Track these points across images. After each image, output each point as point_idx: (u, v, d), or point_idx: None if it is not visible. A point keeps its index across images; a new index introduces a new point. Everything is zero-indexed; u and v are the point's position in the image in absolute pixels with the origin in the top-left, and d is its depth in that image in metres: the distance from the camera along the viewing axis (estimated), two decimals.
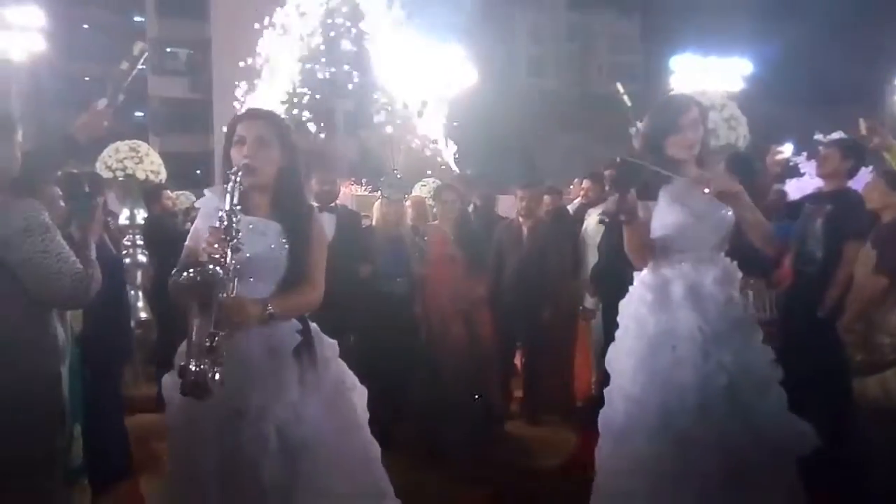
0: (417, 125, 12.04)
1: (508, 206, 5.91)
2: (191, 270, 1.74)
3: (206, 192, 2.06)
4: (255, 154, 1.97)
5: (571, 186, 5.67)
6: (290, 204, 2.00)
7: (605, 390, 2.53)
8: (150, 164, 7.47)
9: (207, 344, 1.69)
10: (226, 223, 1.81)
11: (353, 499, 2.04)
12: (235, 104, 11.27)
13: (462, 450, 4.05)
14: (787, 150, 4.03)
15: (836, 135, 4.60)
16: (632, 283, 2.57)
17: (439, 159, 12.25)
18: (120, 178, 7.14)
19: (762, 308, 4.56)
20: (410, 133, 11.68)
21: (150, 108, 25.92)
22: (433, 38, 12.68)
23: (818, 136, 4.82)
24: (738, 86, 17.82)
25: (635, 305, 2.48)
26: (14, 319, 1.96)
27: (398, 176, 4.84)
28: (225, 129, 2.10)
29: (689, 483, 2.28)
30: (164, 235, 4.57)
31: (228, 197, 1.85)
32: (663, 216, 2.44)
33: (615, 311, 3.53)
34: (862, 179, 3.79)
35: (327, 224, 4.24)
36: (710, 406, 2.29)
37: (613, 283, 4.47)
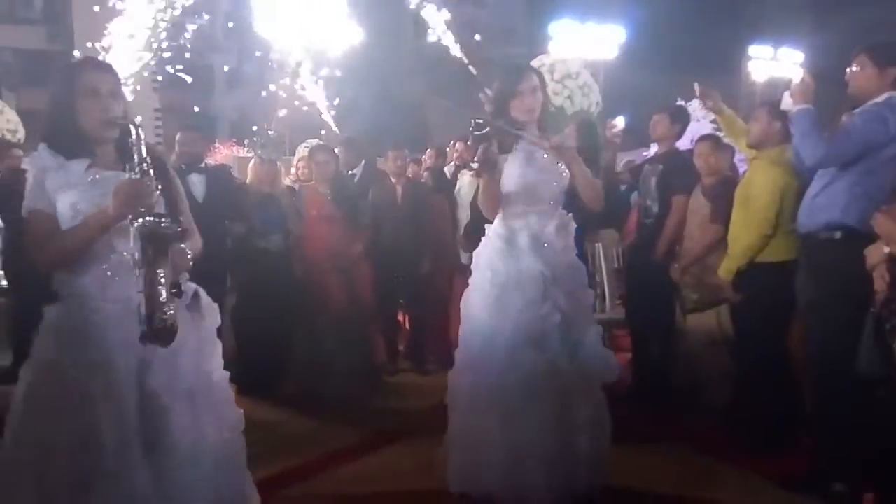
0: (300, 84, 11.74)
1: None
2: (144, 220, 1.76)
3: (40, 148, 1.98)
4: (113, 107, 1.96)
5: (448, 148, 5.83)
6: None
7: (461, 330, 2.80)
8: (4, 122, 6.94)
9: (174, 292, 1.78)
10: (144, 173, 1.85)
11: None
12: (100, 57, 10.49)
13: (344, 401, 4.22)
14: (619, 122, 4.48)
15: (696, 102, 5.03)
16: None
17: (323, 119, 12.07)
18: None
19: (612, 258, 5.01)
20: (291, 92, 11.38)
21: (2, 61, 23.53)
22: None
23: (679, 103, 5.25)
24: (612, 53, 18.70)
25: (488, 254, 2.77)
26: None
27: (271, 134, 4.81)
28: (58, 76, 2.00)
29: (528, 407, 2.61)
30: (12, 195, 4.27)
31: (137, 150, 1.87)
32: (512, 172, 2.73)
33: None
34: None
35: (197, 185, 4.20)
36: (546, 340, 2.65)
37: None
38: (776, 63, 21.38)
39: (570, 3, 17.88)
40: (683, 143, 4.40)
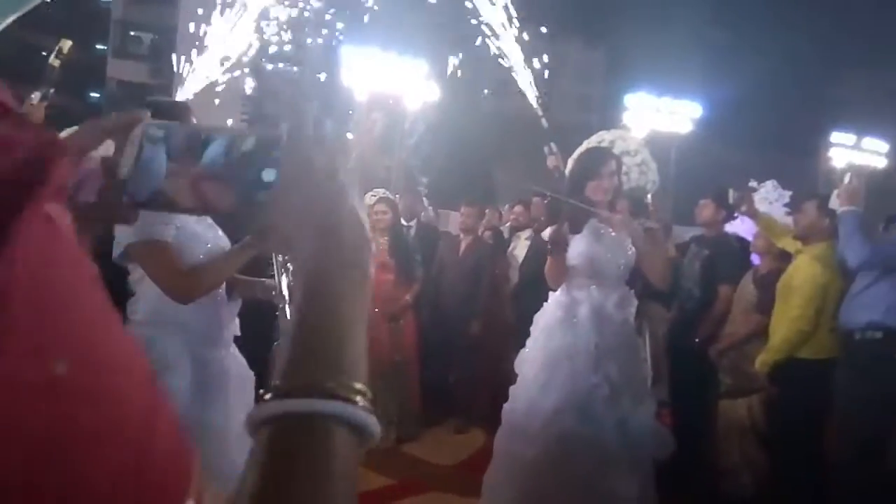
0: (374, 135, 12.25)
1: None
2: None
3: None
4: None
5: (505, 209, 6.00)
6: None
7: (511, 388, 2.91)
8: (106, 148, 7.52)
9: None
10: None
11: None
12: (192, 95, 11.31)
13: (378, 446, 4.31)
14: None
15: (770, 183, 5.05)
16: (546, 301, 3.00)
17: (392, 171, 12.51)
18: None
19: (657, 336, 5.00)
20: (366, 142, 11.89)
21: (108, 90, 25.50)
22: (397, 51, 12.97)
23: (752, 183, 5.25)
24: (687, 127, 18.75)
25: (546, 319, 2.89)
26: None
27: None
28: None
29: (568, 474, 2.66)
30: None
31: None
32: (579, 247, 2.88)
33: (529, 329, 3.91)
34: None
35: None
36: (592, 409, 2.70)
37: (532, 302, 4.89)
38: (859, 151, 20.88)
39: (648, 77, 18.09)
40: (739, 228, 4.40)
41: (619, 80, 19.77)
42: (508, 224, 5.93)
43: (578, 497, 2.65)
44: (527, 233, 5.38)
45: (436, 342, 5.04)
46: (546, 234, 2.90)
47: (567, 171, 3.76)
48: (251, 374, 2.08)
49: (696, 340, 3.90)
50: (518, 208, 5.59)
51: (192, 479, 0.40)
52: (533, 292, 4.93)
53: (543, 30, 11.29)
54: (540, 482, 2.69)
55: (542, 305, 4.98)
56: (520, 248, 5.38)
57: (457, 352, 5.10)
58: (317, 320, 0.49)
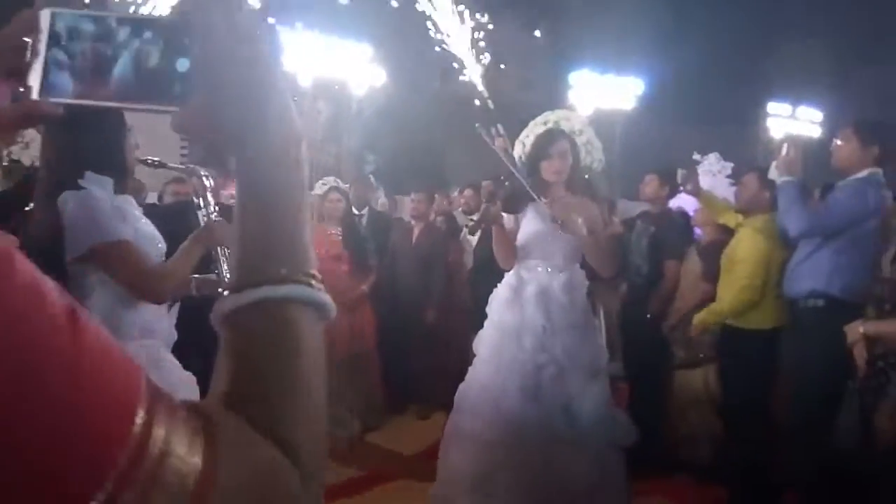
0: (319, 122, 12.09)
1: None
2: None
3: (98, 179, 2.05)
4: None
5: (455, 194, 5.98)
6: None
7: (469, 371, 2.96)
8: None
9: None
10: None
11: None
12: None
13: (341, 439, 4.32)
14: None
15: (712, 156, 5.16)
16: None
17: (340, 159, 12.40)
18: None
19: (611, 313, 5.10)
20: (312, 130, 11.72)
21: None
22: (339, 35, 12.76)
23: (696, 156, 5.36)
24: (631, 104, 19.02)
25: (497, 300, 2.96)
26: None
27: None
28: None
29: (517, 453, 2.70)
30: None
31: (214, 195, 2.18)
32: (527, 227, 2.94)
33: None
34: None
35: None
36: (538, 389, 2.75)
37: (488, 286, 4.92)
38: (795, 121, 21.59)
39: (590, 55, 18.26)
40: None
41: (562, 58, 19.90)
42: (460, 209, 5.93)
43: (529, 476, 2.67)
44: (478, 216, 5.39)
45: (394, 331, 5.03)
46: (482, 213, 2.97)
47: (514, 152, 3.76)
48: (191, 374, 2.01)
49: (648, 316, 3.99)
50: (468, 192, 5.60)
51: (137, 393, 0.39)
52: (488, 276, 4.94)
53: (484, 16, 11.30)
54: (491, 460, 2.72)
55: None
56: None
57: (415, 339, 5.09)
58: (257, 216, 0.51)
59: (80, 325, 0.38)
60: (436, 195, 6.17)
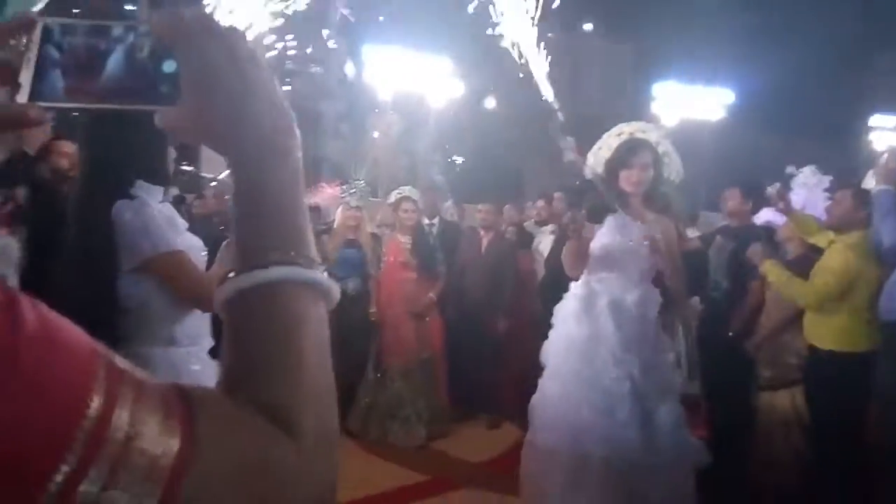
0: (392, 135, 12.29)
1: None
2: None
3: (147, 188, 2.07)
4: None
5: (530, 204, 5.90)
6: None
7: (540, 380, 2.87)
8: None
9: None
10: None
11: None
12: None
13: (407, 444, 4.34)
14: None
15: (808, 169, 4.89)
16: None
17: (414, 170, 12.53)
18: None
19: (690, 328, 4.87)
20: (389, 141, 11.93)
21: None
22: (421, 49, 12.96)
23: (790, 170, 5.08)
24: (719, 115, 18.36)
25: (565, 311, 2.86)
26: None
27: (360, 184, 5.10)
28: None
29: (593, 467, 2.62)
30: None
31: None
32: (602, 238, 2.82)
33: None
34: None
35: None
36: (612, 406, 2.63)
37: (557, 296, 4.81)
38: None
39: (676, 66, 17.76)
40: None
41: (646, 70, 19.46)
42: (532, 220, 5.86)
43: (607, 490, 2.58)
44: (551, 227, 5.31)
45: (463, 338, 5.00)
46: (564, 219, 2.84)
47: (588, 163, 3.66)
48: None
49: (731, 335, 3.77)
50: (540, 203, 5.52)
51: (91, 378, 0.39)
52: (558, 286, 4.86)
53: (567, 25, 11.18)
54: (566, 477, 2.65)
55: None
56: (544, 243, 5.30)
57: (485, 348, 5.05)
58: (248, 204, 0.53)
59: (18, 316, 0.38)
60: (506, 206, 6.14)
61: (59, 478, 0.36)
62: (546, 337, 2.99)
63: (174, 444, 0.40)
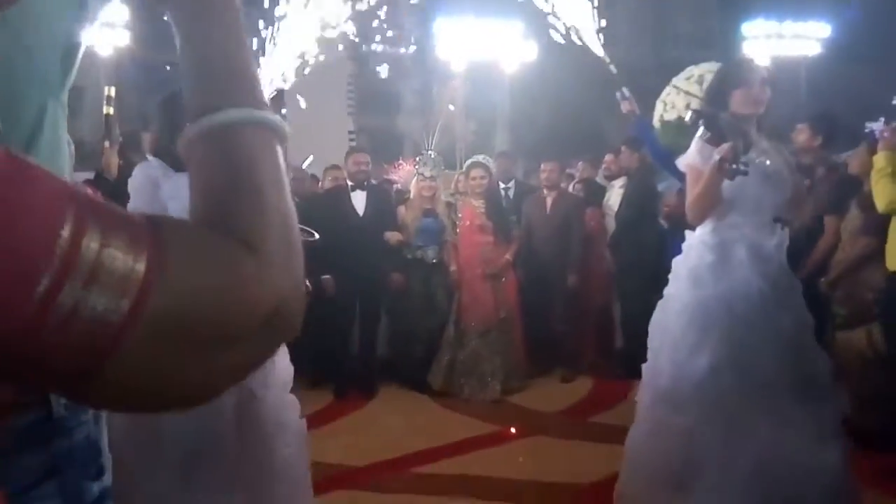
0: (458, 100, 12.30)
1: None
2: None
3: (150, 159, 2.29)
4: None
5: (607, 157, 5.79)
6: None
7: (651, 343, 2.53)
8: None
9: None
10: None
11: None
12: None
13: (485, 398, 4.58)
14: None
15: None
16: (648, 249, 2.73)
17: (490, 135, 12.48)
18: None
19: None
20: (462, 110, 11.99)
21: None
22: (491, 15, 12.88)
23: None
24: (815, 49, 17.14)
25: (691, 264, 2.44)
26: None
27: (432, 155, 5.27)
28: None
29: (731, 444, 2.27)
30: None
31: None
32: (738, 178, 2.33)
33: (628, 276, 3.70)
34: None
35: (360, 200, 4.78)
36: (765, 368, 2.27)
37: (629, 250, 4.85)
38: None
39: (765, 3, 16.67)
40: None
41: (734, 10, 18.39)
42: (601, 174, 5.85)
43: (748, 471, 2.22)
44: (620, 181, 5.32)
45: (536, 297, 5.14)
46: (719, 151, 2.29)
47: (656, 113, 3.65)
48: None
49: (823, 279, 3.67)
50: (608, 157, 5.52)
51: (61, 208, 0.42)
52: (630, 240, 4.91)
53: None
54: (693, 454, 2.29)
55: (638, 252, 4.87)
56: (613, 198, 5.33)
57: (556, 304, 5.17)
58: (192, 55, 0.55)
59: None
60: (580, 163, 6.17)
61: (37, 292, 0.39)
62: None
63: (141, 266, 0.42)
